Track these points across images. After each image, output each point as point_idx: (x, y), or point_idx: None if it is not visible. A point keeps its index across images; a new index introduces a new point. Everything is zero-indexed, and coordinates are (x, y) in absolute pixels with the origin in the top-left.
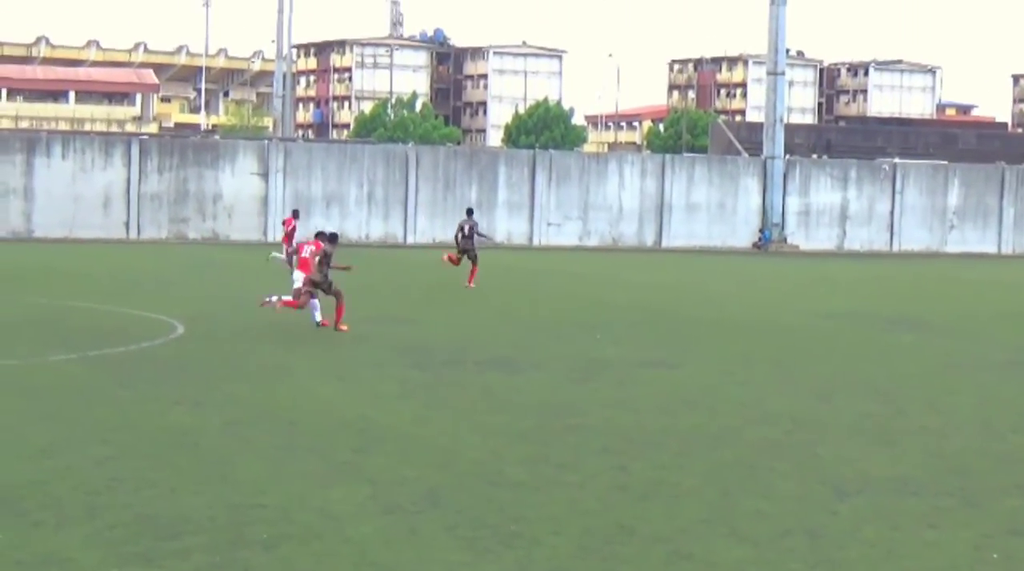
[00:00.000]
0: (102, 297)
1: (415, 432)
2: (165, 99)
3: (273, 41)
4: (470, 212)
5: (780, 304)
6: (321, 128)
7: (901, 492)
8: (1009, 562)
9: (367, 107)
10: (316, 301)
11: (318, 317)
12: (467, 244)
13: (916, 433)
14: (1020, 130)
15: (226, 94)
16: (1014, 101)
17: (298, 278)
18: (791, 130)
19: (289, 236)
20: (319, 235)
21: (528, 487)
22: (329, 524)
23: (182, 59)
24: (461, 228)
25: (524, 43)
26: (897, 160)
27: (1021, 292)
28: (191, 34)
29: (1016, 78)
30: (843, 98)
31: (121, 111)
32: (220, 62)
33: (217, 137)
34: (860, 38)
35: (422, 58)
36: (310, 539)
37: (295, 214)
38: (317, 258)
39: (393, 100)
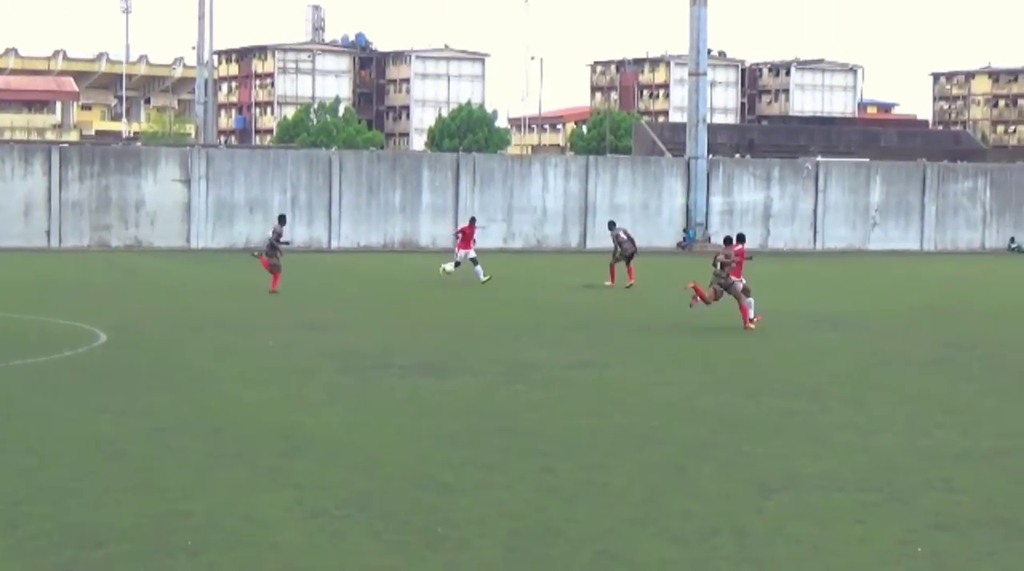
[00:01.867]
0: (24, 306)
1: (341, 437)
2: (85, 107)
3: (194, 47)
4: (612, 225)
5: (700, 306)
6: (244, 134)
7: (827, 489)
8: (934, 557)
9: (290, 112)
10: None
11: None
12: (628, 248)
13: (842, 430)
14: (941, 127)
15: (147, 101)
16: (934, 99)
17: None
18: (714, 130)
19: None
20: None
21: (455, 490)
22: (255, 530)
23: (102, 66)
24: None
25: (446, 46)
26: (819, 159)
27: (943, 288)
28: (111, 41)
29: (936, 76)
30: (765, 98)
31: (41, 119)
32: (141, 69)
33: (139, 144)
34: (781, 38)
35: (344, 63)
36: (236, 546)
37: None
38: None
39: (316, 105)
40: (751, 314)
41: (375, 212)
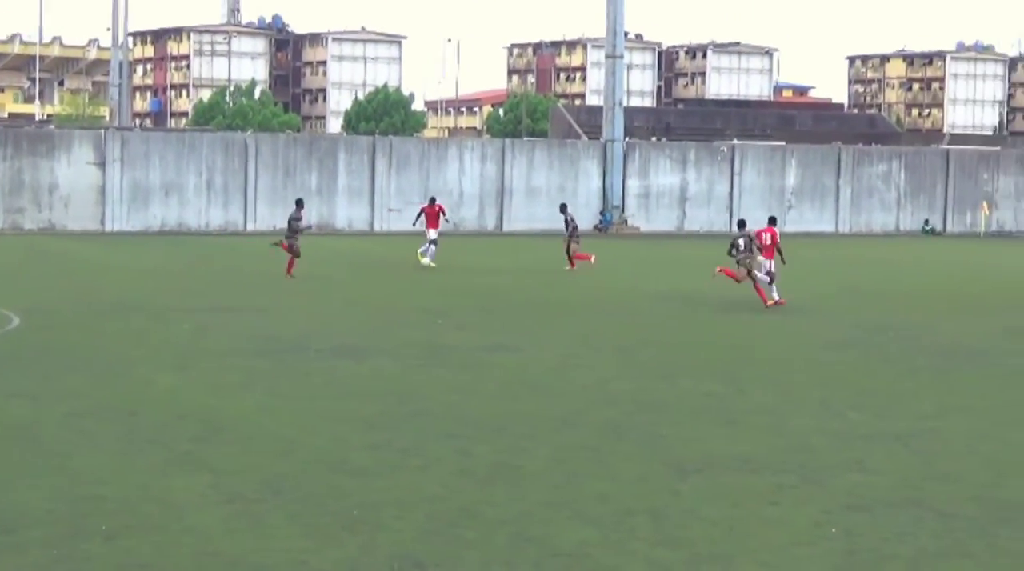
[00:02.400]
0: None
1: (257, 421)
2: None
3: (108, 29)
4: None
5: (622, 286)
6: (159, 117)
7: (742, 470)
8: (848, 537)
9: (205, 95)
10: None
11: None
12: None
13: (756, 412)
14: (856, 111)
15: (61, 83)
16: (849, 82)
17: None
18: (630, 113)
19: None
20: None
21: (372, 473)
22: (170, 514)
23: (15, 48)
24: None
25: (363, 29)
26: (735, 142)
27: (858, 270)
28: (24, 22)
29: (851, 59)
30: (682, 81)
31: None
32: (55, 51)
33: (52, 127)
34: (698, 21)
35: (260, 45)
36: (151, 530)
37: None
38: None
39: (231, 88)
40: (775, 296)
41: (291, 195)
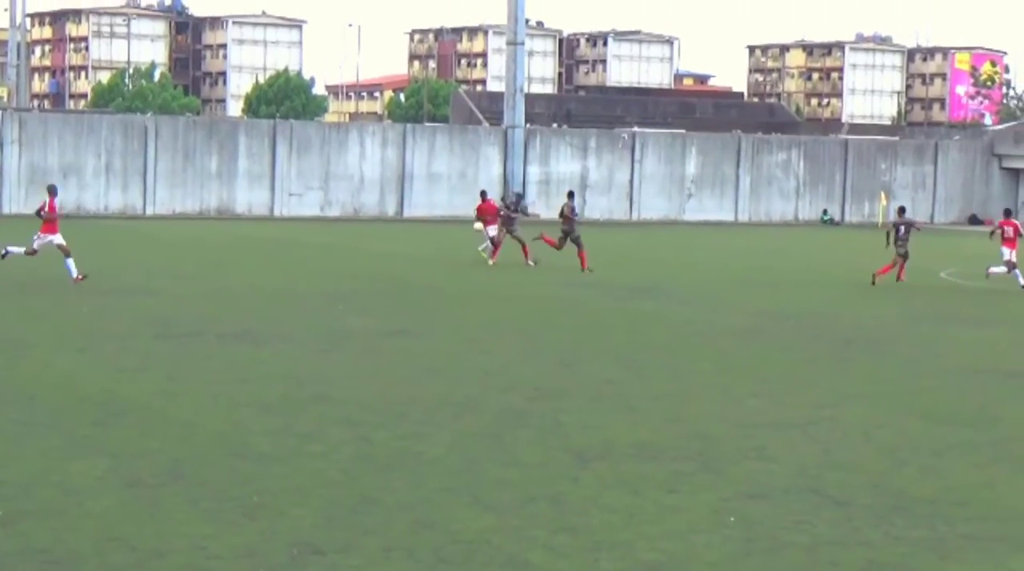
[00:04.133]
0: None
1: (157, 405)
2: None
3: (6, 9)
4: (571, 194)
5: (519, 274)
6: (57, 98)
7: (642, 457)
8: (746, 525)
9: (104, 77)
10: None
11: None
12: (569, 226)
13: (657, 399)
14: (756, 100)
15: None
16: (749, 71)
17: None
18: (531, 100)
19: None
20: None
21: (271, 458)
22: (69, 499)
23: None
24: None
25: (263, 13)
26: (636, 129)
27: (756, 259)
28: None
29: (751, 49)
30: (583, 68)
31: None
32: None
33: None
34: (599, 9)
35: (160, 27)
36: (49, 514)
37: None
38: None
39: (131, 70)
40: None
41: (191, 178)
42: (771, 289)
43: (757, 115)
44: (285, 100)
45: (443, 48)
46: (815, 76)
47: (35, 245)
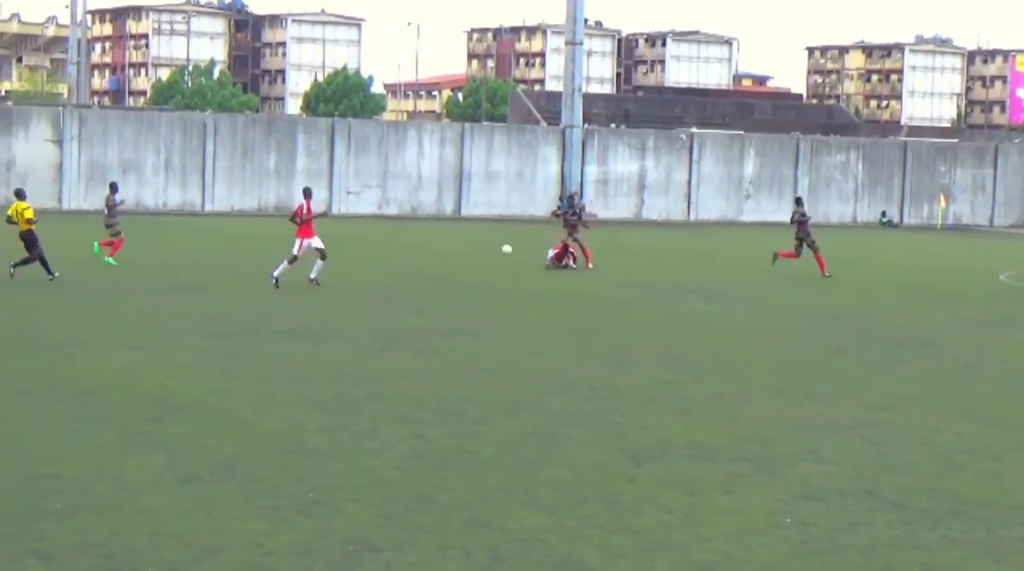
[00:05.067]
0: None
1: (213, 402)
2: None
3: (68, 6)
4: (799, 201)
5: (578, 273)
6: (117, 95)
7: (697, 458)
8: (802, 526)
9: (164, 74)
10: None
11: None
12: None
13: (712, 400)
14: (814, 101)
15: (19, 60)
16: (808, 72)
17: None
18: (589, 100)
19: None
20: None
21: (327, 456)
22: (125, 494)
23: None
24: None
25: (323, 11)
26: (694, 130)
27: (813, 261)
28: None
29: (811, 50)
30: (641, 68)
31: None
32: (13, 27)
33: (10, 103)
34: (658, 9)
35: (220, 25)
36: (105, 509)
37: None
38: None
39: (190, 67)
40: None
41: (249, 176)
42: (828, 290)
43: (816, 116)
44: (343, 98)
45: (502, 47)
46: (874, 78)
47: (295, 252)
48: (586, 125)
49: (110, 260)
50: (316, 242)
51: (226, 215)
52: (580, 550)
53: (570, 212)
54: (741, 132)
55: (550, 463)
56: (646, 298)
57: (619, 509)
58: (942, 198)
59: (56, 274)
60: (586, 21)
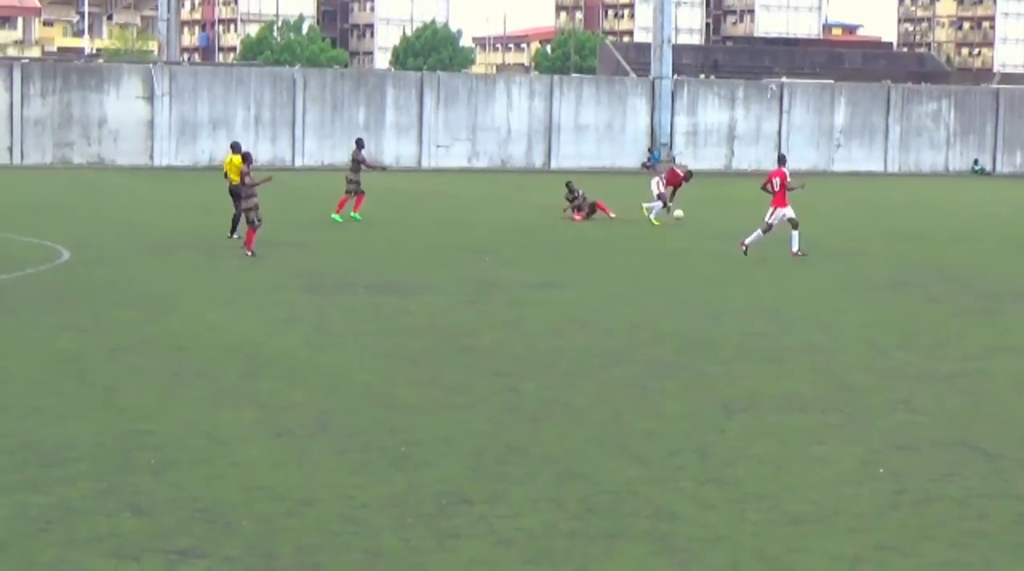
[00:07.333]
0: None
1: (304, 356)
2: (47, 23)
3: None
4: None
5: (669, 224)
6: (207, 52)
7: (788, 409)
8: (895, 477)
9: (253, 30)
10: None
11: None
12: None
13: (803, 351)
14: (905, 49)
15: (110, 17)
16: (899, 21)
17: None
18: (678, 50)
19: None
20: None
21: (418, 409)
22: (217, 448)
23: None
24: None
25: None
26: (784, 80)
27: (906, 212)
28: None
29: None
30: (730, 18)
31: (3, 35)
32: None
33: (101, 61)
34: None
35: None
36: (198, 463)
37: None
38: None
39: (279, 23)
40: (795, 247)
41: (339, 130)
42: (920, 241)
43: (907, 65)
44: (432, 52)
45: None
46: (966, 25)
47: (769, 220)
48: (675, 76)
49: (356, 215)
50: (789, 213)
51: (316, 170)
52: (672, 501)
53: (571, 197)
54: (831, 82)
55: (642, 415)
56: (737, 249)
57: (711, 460)
58: None
59: (236, 236)
60: None
